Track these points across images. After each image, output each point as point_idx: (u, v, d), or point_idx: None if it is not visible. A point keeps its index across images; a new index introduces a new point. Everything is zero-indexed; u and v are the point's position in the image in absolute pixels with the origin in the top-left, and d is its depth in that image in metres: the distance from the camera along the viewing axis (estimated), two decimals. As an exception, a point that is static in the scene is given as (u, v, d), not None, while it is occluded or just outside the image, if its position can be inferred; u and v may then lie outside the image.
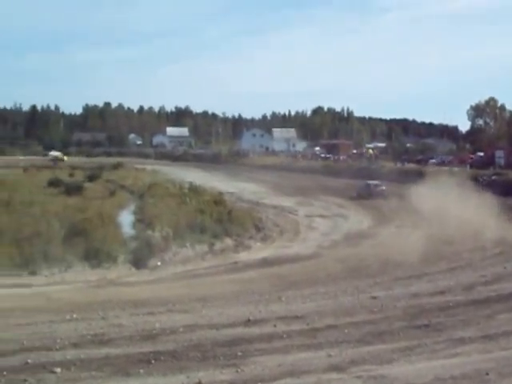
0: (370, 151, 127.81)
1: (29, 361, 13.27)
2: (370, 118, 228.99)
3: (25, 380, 12.05)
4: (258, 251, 37.45)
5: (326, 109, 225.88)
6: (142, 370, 12.82)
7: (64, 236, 34.29)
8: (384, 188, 64.32)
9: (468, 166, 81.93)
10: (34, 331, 16.10)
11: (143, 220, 42.55)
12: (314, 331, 16.12)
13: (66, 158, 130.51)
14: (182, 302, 20.74)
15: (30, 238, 32.77)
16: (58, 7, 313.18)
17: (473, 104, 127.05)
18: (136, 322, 17.24)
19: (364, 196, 63.55)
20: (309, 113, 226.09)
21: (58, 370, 12.66)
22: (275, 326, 16.69)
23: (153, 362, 13.38)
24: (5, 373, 12.42)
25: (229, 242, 39.39)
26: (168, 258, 34.48)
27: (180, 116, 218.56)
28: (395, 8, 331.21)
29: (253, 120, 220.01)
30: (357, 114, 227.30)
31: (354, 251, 35.95)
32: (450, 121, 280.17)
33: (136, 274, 31.13)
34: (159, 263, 33.38)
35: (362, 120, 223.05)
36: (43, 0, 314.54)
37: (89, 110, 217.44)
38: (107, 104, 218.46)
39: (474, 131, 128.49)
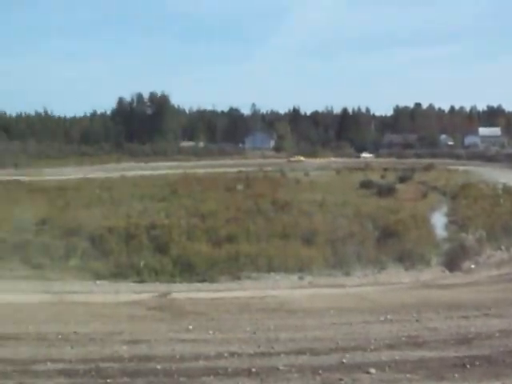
0: None
1: (344, 360, 13.54)
2: None
3: (340, 379, 12.30)
4: None
5: None
6: (456, 375, 12.60)
7: (377, 237, 34.83)
8: None
9: None
10: (348, 331, 16.43)
11: (456, 222, 42.16)
12: None
13: (302, 158, 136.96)
14: (498, 307, 20.03)
15: (344, 238, 33.62)
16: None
17: None
18: (450, 326, 16.97)
19: None
20: None
21: (373, 370, 12.79)
22: None
23: (468, 366, 13.09)
24: (320, 371, 12.77)
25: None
26: (482, 260, 33.66)
27: (491, 115, 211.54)
28: None
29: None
30: None
31: None
32: None
33: (449, 276, 30.70)
34: (473, 266, 32.67)
35: None
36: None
37: (399, 111, 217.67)
38: (418, 105, 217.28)
39: None
